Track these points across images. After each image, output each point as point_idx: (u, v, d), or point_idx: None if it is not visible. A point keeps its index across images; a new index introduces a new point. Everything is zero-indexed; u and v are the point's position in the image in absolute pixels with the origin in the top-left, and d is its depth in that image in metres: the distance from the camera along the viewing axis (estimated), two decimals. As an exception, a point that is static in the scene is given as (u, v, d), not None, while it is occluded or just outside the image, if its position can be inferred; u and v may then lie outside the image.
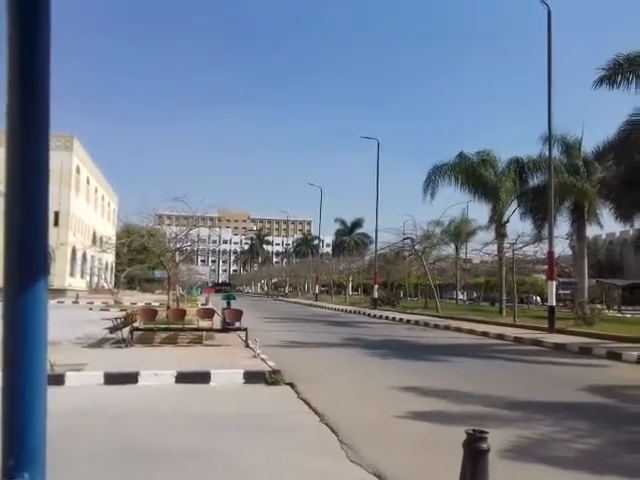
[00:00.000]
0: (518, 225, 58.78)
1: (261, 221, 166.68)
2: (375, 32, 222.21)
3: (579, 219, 28.74)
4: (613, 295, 42.52)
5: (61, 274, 45.58)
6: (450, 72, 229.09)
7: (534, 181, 30.65)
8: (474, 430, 3.02)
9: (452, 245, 49.92)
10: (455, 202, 74.83)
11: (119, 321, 13.57)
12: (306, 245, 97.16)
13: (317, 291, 59.45)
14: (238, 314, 14.71)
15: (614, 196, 26.28)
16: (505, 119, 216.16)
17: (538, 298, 49.32)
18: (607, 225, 31.51)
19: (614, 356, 13.31)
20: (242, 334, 13.91)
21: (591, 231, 34.24)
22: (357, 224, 79.20)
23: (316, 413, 7.03)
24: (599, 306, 26.70)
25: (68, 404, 6.88)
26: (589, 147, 29.48)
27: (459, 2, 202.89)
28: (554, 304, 19.89)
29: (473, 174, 31.32)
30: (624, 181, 22.54)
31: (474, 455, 2.98)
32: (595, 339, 16.64)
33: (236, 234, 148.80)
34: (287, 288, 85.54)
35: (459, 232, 48.81)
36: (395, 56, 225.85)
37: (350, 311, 36.48)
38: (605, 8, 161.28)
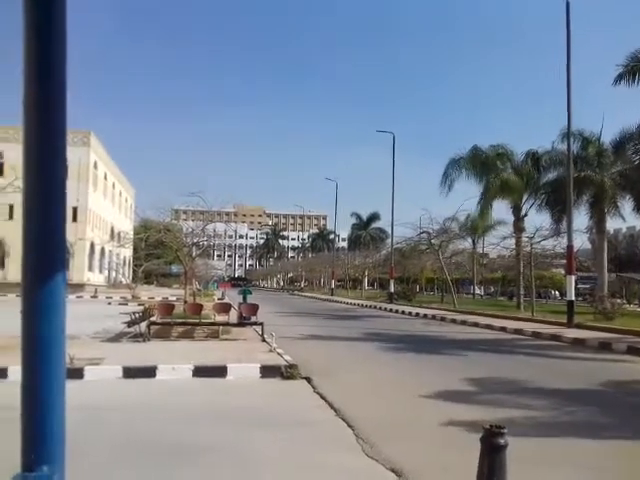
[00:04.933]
0: (536, 218, 58.07)
1: (276, 216, 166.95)
2: (390, 29, 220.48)
3: (599, 212, 28.32)
4: (633, 289, 41.90)
5: (80, 269, 46.11)
6: (465, 68, 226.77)
7: (551, 174, 30.33)
8: (491, 425, 2.99)
9: (469, 239, 49.54)
10: (472, 196, 74.31)
11: (137, 315, 13.71)
12: (322, 240, 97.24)
13: (333, 286, 59.47)
14: (254, 308, 14.77)
15: (634, 189, 25.88)
16: (526, 114, 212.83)
17: (557, 293, 48.83)
18: (628, 218, 31.04)
19: (635, 351, 13.11)
20: (258, 328, 13.96)
21: (611, 224, 33.79)
22: (373, 218, 78.97)
23: (332, 407, 7.03)
24: (619, 301, 26.35)
25: (87, 398, 6.97)
26: (608, 138, 29.05)
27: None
28: (573, 299, 19.67)
29: (489, 168, 31.04)
30: None
31: (491, 450, 2.95)
32: (615, 334, 16.41)
33: (252, 229, 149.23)
34: (303, 283, 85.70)
35: (476, 226, 48.43)
36: (411, 53, 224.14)
37: (366, 306, 36.45)
38: (627, 4, 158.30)
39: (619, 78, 20.99)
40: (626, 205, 28.78)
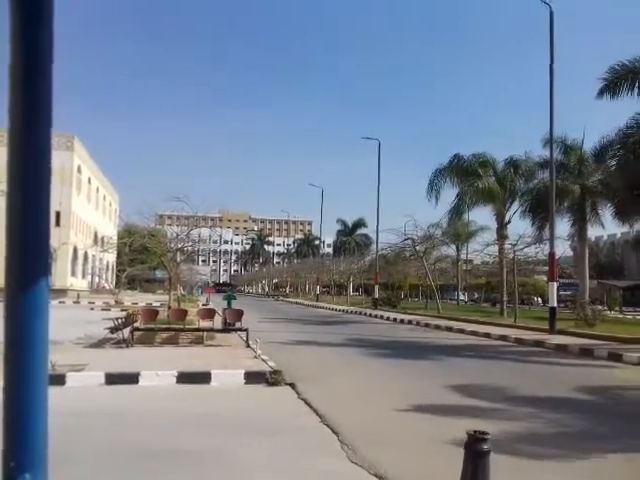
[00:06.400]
0: (519, 225, 58.62)
1: (262, 221, 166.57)
2: (377, 34, 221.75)
3: (580, 220, 28.68)
4: (614, 296, 42.45)
5: (63, 274, 45.57)
6: (456, 73, 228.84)
7: (532, 182, 30.62)
8: (475, 431, 3.01)
9: (453, 246, 49.89)
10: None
11: (120, 321, 13.57)
12: (307, 245, 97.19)
13: (318, 292, 59.45)
14: (239, 314, 14.72)
15: (615, 198, 26.25)
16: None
17: (539, 299, 49.28)
18: (608, 226, 31.44)
19: (615, 357, 13.28)
20: (243, 334, 13.91)
21: (592, 232, 34.17)
22: (358, 225, 79.22)
23: (317, 414, 7.02)
24: (600, 307, 26.67)
25: (69, 404, 6.88)
26: (590, 147, 29.33)
27: (464, 4, 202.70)
28: (555, 305, 19.86)
29: (471, 176, 31.30)
30: (625, 185, 22.51)
31: (475, 456, 2.97)
32: (596, 340, 16.60)
33: (237, 234, 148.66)
34: (288, 288, 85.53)
35: (459, 233, 48.81)
36: (398, 58, 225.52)
37: (351, 312, 36.46)
38: (615, 12, 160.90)
39: (601, 92, 21.21)
40: (606, 213, 29.22)
